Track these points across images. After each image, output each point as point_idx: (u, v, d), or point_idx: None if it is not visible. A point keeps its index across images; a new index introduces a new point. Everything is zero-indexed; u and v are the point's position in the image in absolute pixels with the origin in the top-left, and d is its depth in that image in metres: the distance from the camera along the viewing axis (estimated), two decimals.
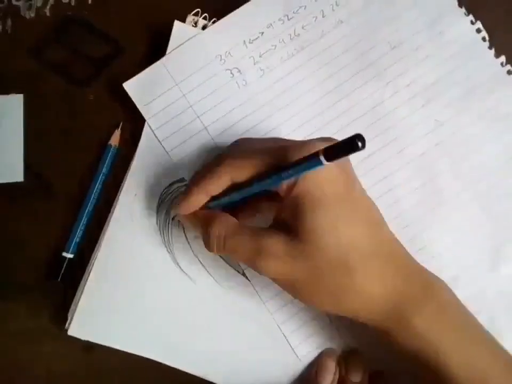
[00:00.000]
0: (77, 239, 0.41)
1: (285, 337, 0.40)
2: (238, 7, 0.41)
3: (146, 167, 0.41)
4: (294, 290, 0.33)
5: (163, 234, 0.41)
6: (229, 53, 0.41)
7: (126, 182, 0.41)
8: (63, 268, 0.41)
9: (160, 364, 0.40)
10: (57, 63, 0.43)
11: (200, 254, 0.41)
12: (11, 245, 0.42)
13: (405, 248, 0.34)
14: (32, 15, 0.43)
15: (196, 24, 0.42)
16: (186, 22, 0.42)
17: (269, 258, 0.32)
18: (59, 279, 0.41)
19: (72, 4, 0.43)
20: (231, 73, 0.41)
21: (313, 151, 0.29)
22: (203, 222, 0.35)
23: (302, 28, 0.41)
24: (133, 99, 0.41)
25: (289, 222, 0.32)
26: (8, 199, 0.41)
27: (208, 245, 0.35)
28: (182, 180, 0.41)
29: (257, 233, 0.33)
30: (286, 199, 0.32)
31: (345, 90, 0.41)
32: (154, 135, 0.41)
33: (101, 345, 0.40)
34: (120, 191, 0.41)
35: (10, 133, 0.42)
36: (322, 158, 0.29)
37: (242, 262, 0.35)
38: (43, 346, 0.41)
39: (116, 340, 0.40)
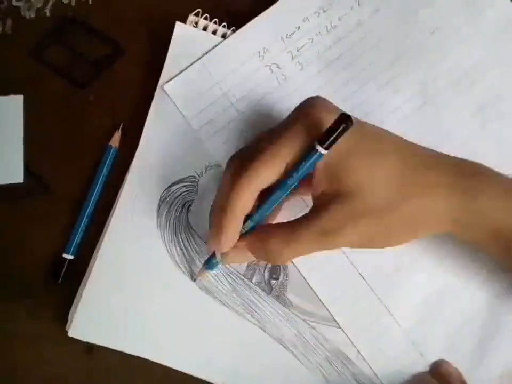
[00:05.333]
0: (77, 240, 0.41)
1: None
2: (237, 7, 0.41)
3: (146, 168, 0.41)
4: (372, 244, 0.33)
5: (163, 235, 0.41)
6: (267, 49, 0.41)
7: (126, 183, 0.41)
8: (63, 269, 0.41)
9: (160, 365, 0.40)
10: (57, 64, 0.43)
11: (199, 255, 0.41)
12: (11, 246, 0.41)
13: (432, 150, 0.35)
14: (32, 15, 0.43)
15: (196, 24, 0.42)
16: (187, 23, 0.42)
17: (339, 234, 0.31)
18: (59, 281, 0.41)
19: (73, 4, 0.43)
20: (270, 69, 0.41)
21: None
22: (254, 245, 0.34)
23: (338, 19, 0.41)
24: (173, 100, 0.41)
25: (332, 190, 0.32)
26: (8, 200, 0.41)
27: (274, 261, 0.35)
28: (181, 180, 0.41)
29: (312, 219, 0.32)
30: (317, 171, 0.32)
31: (384, 79, 0.41)
32: (198, 134, 0.41)
33: (102, 346, 0.40)
34: (120, 191, 0.41)
35: (10, 134, 0.42)
36: (319, 148, 0.29)
37: (314, 252, 0.33)
38: (43, 347, 0.41)
39: (116, 341, 0.40)
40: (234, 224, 0.33)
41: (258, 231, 0.34)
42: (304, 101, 0.34)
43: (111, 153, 0.42)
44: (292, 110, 0.35)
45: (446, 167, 0.33)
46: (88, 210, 0.41)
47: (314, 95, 0.34)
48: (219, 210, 0.33)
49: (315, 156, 0.30)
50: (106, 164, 0.42)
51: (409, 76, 0.41)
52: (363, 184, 0.31)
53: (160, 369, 0.40)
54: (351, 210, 0.31)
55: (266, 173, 0.32)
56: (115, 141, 0.42)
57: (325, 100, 0.34)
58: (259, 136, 0.36)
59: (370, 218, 0.32)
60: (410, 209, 0.32)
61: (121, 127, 0.42)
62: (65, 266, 0.41)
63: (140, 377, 0.41)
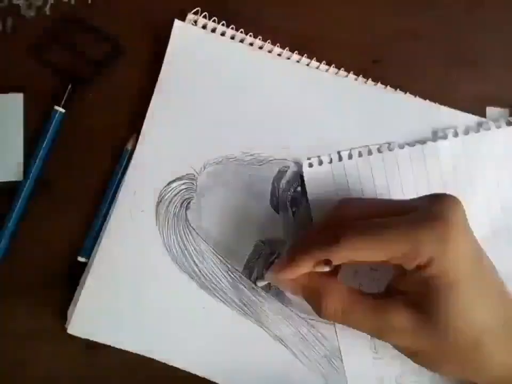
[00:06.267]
0: (92, 242, 0.41)
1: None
2: (237, 5, 0.41)
3: (145, 166, 0.41)
4: (416, 359, 0.34)
5: (162, 233, 0.41)
6: None
7: (125, 181, 0.41)
8: (67, 272, 0.41)
9: (160, 362, 0.40)
10: (57, 62, 0.43)
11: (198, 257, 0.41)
12: (11, 245, 0.41)
13: None
14: (32, 14, 0.43)
15: (195, 22, 0.42)
16: (186, 21, 0.42)
17: (395, 335, 0.32)
18: (70, 282, 0.41)
19: (72, 3, 0.43)
20: None
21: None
22: (312, 292, 0.34)
23: None
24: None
25: (415, 297, 0.32)
26: (8, 198, 0.41)
27: (321, 316, 0.34)
28: (180, 178, 0.41)
29: (380, 306, 0.32)
30: (414, 274, 0.32)
31: None
32: None
33: (101, 344, 0.40)
34: (120, 189, 0.41)
35: (10, 132, 0.42)
36: None
37: (362, 331, 0.34)
38: (43, 345, 0.41)
39: (116, 338, 0.40)
40: (309, 265, 0.33)
41: (321, 283, 0.34)
42: (439, 198, 0.33)
43: (126, 157, 0.42)
44: (425, 196, 0.34)
45: None
46: (104, 214, 0.41)
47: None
48: (305, 249, 0.33)
49: None
50: (122, 167, 0.42)
51: None
52: (453, 320, 0.31)
53: (159, 366, 0.40)
54: (425, 329, 0.31)
55: (362, 255, 0.32)
56: (130, 144, 0.42)
57: (463, 213, 0.32)
58: (372, 203, 0.36)
59: (437, 345, 0.32)
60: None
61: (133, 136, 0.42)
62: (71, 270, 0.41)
63: (139, 374, 0.41)
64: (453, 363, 0.33)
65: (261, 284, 0.39)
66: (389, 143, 0.42)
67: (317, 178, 0.41)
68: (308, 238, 0.35)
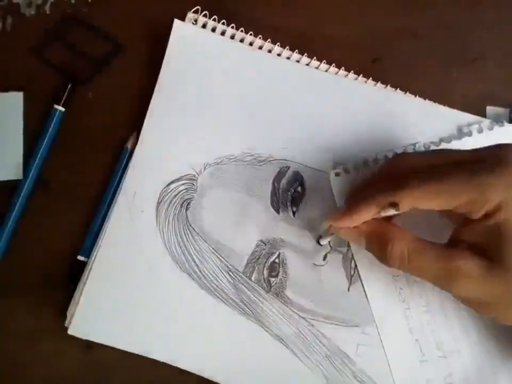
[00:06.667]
0: (91, 242, 0.41)
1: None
2: (237, 4, 0.41)
3: (145, 166, 0.41)
4: (483, 308, 0.33)
5: (163, 233, 0.41)
6: None
7: (125, 181, 0.41)
8: (67, 272, 0.41)
9: (159, 362, 0.40)
10: (57, 61, 0.43)
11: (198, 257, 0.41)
12: (11, 244, 0.41)
13: None
14: (32, 12, 0.43)
15: (195, 21, 0.42)
16: (186, 20, 0.42)
17: (463, 281, 0.31)
18: (70, 282, 0.41)
19: (72, 1, 0.43)
20: None
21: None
22: (376, 238, 0.34)
23: None
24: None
25: (483, 246, 0.32)
26: (8, 197, 0.41)
27: (387, 263, 0.34)
28: (180, 178, 0.41)
29: (446, 253, 0.32)
30: (481, 223, 0.31)
31: None
32: None
33: (101, 344, 0.40)
34: (119, 190, 0.41)
35: (10, 131, 0.42)
36: None
37: (426, 280, 0.33)
38: (43, 345, 0.40)
39: (116, 339, 0.40)
40: (372, 211, 0.33)
41: (385, 228, 0.34)
42: (500, 145, 0.33)
43: (126, 156, 0.42)
44: (488, 146, 0.33)
45: None
46: (104, 213, 0.41)
47: None
48: (367, 197, 0.33)
49: None
50: (122, 167, 0.42)
51: None
52: None
53: (159, 366, 0.40)
54: (493, 275, 0.31)
55: (428, 202, 0.32)
56: (131, 143, 0.42)
57: None
58: (435, 154, 0.35)
59: (504, 291, 0.31)
60: None
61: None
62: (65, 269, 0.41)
63: (138, 374, 0.40)
64: None
65: (324, 242, 0.39)
66: (414, 144, 0.42)
67: (344, 187, 0.41)
68: (368, 186, 0.35)
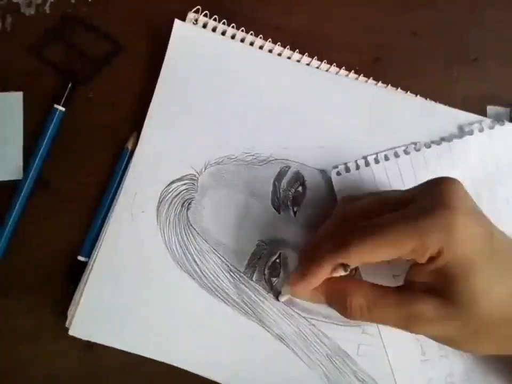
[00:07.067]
0: (92, 242, 0.41)
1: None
2: (238, 4, 0.41)
3: (146, 166, 0.41)
4: (451, 344, 0.34)
5: (163, 233, 0.41)
6: None
7: (125, 181, 0.41)
8: (69, 272, 0.41)
9: (160, 363, 0.40)
10: (57, 61, 0.43)
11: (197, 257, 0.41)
12: (10, 243, 0.41)
13: None
14: (32, 12, 0.43)
15: (196, 21, 0.42)
16: (186, 20, 0.42)
17: (423, 324, 0.32)
18: (71, 283, 0.41)
19: (72, 1, 0.43)
20: None
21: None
22: (335, 295, 0.35)
23: None
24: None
25: (435, 286, 0.32)
26: (7, 197, 0.41)
27: (349, 317, 0.34)
28: (181, 178, 0.41)
29: (404, 298, 0.32)
30: (428, 265, 0.32)
31: None
32: None
33: (101, 344, 0.40)
34: (120, 190, 0.41)
35: (9, 130, 0.42)
36: None
37: (390, 326, 0.34)
38: (43, 345, 0.40)
39: (116, 339, 0.40)
40: (324, 274, 0.33)
41: (341, 284, 0.35)
42: (437, 183, 0.33)
43: (127, 156, 0.42)
44: (422, 183, 0.34)
45: None
46: (104, 213, 0.41)
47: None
48: (316, 260, 0.33)
49: None
50: (123, 167, 0.41)
51: None
52: (474, 300, 0.31)
53: (160, 366, 0.40)
54: (449, 314, 0.31)
55: (371, 257, 0.32)
56: (132, 143, 0.42)
57: (465, 193, 0.32)
58: (373, 199, 0.36)
59: (465, 327, 0.31)
60: None
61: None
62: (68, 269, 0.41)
63: (139, 375, 0.40)
64: (488, 342, 0.32)
65: (283, 299, 0.40)
66: (415, 143, 0.42)
67: (346, 185, 0.41)
68: (317, 247, 0.35)
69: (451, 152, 0.42)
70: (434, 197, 0.31)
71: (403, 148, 0.42)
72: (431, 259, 0.31)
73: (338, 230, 0.34)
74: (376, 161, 0.42)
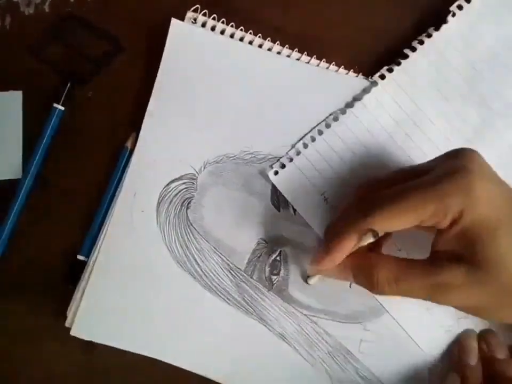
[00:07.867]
0: (91, 241, 0.41)
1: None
2: (237, 3, 0.42)
3: (145, 165, 0.41)
4: (477, 312, 0.34)
5: (163, 233, 0.41)
6: None
7: (125, 181, 0.41)
8: (68, 271, 0.41)
9: (161, 362, 0.39)
10: (56, 60, 0.43)
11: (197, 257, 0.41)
12: (10, 243, 0.41)
13: None
14: (31, 11, 0.43)
15: (195, 20, 0.42)
16: (185, 19, 0.42)
17: (451, 292, 0.32)
18: (70, 282, 0.40)
19: (71, 0, 0.43)
20: None
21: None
22: (361, 269, 0.35)
23: None
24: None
25: (459, 252, 0.32)
26: (7, 196, 0.41)
27: (376, 291, 0.34)
28: (180, 178, 0.41)
29: (428, 268, 0.33)
30: (450, 231, 0.32)
31: None
32: None
33: (101, 344, 0.39)
34: (119, 190, 0.41)
35: (9, 130, 0.42)
36: None
37: (417, 298, 0.34)
38: (43, 345, 0.40)
39: (117, 339, 0.40)
40: (348, 247, 0.34)
41: (368, 258, 0.35)
42: (456, 153, 0.33)
43: (126, 155, 0.42)
44: (441, 155, 0.34)
45: None
46: (103, 212, 0.41)
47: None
48: (339, 233, 0.34)
49: None
50: (122, 166, 0.41)
51: None
52: (500, 262, 0.31)
53: (161, 366, 0.39)
54: (476, 279, 0.31)
55: (395, 223, 0.32)
56: (131, 142, 0.42)
57: (484, 161, 0.33)
58: (397, 172, 0.36)
59: (492, 292, 0.32)
60: None
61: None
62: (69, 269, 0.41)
63: (139, 374, 0.40)
64: None
65: (312, 281, 0.40)
66: (330, 114, 0.42)
67: (287, 180, 0.41)
68: (340, 220, 0.35)
69: (365, 108, 0.42)
70: (454, 163, 0.32)
71: (324, 123, 0.42)
72: (453, 223, 0.31)
73: (362, 200, 0.35)
74: (305, 146, 0.42)
